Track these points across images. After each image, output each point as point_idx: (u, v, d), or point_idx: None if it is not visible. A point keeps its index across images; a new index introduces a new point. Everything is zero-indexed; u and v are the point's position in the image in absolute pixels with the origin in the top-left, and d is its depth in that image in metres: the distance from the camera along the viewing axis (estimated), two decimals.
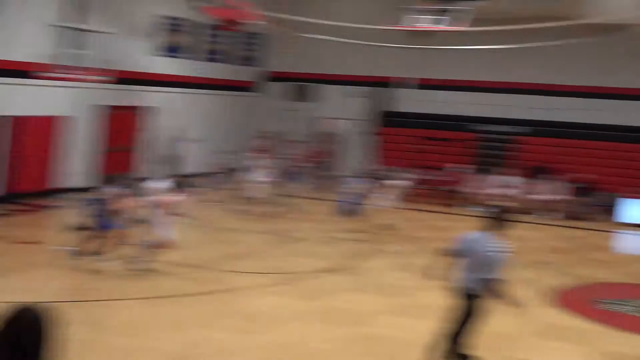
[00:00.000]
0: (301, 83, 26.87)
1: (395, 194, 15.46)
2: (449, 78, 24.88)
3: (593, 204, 20.02)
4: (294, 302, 9.56)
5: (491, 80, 24.40)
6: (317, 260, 12.24)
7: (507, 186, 20.27)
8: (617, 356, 8.24)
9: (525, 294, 8.72)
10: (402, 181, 14.96)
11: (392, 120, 25.41)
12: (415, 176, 18.30)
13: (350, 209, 16.60)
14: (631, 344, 8.71)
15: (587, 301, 10.68)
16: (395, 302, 9.92)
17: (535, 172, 21.42)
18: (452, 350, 7.16)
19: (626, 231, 18.09)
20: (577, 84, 23.58)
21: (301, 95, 26.90)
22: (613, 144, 22.23)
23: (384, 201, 15.26)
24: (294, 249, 13.41)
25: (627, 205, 18.86)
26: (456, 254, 7.16)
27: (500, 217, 7.14)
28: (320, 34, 20.37)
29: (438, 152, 23.67)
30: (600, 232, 17.68)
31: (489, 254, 6.93)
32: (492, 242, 6.97)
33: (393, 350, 7.92)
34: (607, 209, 20.08)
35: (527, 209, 19.26)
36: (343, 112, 26.37)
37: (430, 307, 9.73)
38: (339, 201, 17.20)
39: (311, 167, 21.01)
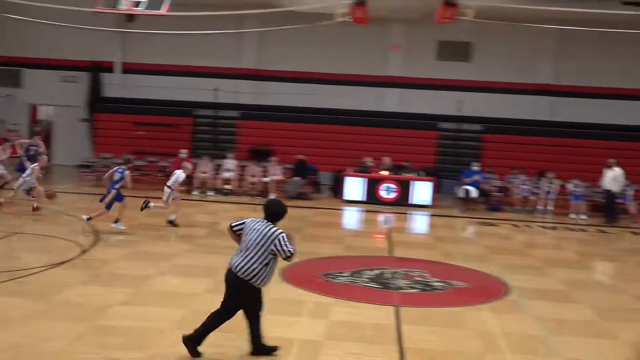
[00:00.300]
0: (10, 67, 25.05)
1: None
2: (165, 63, 24.82)
3: (315, 183, 21.36)
4: (23, 301, 8.95)
5: (207, 65, 24.79)
6: (43, 255, 11.56)
7: (228, 169, 20.81)
8: (344, 323, 8.87)
9: None
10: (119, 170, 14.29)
11: (108, 106, 24.73)
12: (134, 163, 18.05)
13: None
14: (354, 312, 9.42)
15: (313, 275, 11.34)
16: (131, 292, 9.71)
17: (253, 154, 22.25)
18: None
19: (347, 207, 19.47)
20: (288, 69, 24.83)
21: (10, 80, 25.08)
22: (335, 126, 23.80)
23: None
24: (16, 245, 12.57)
25: (347, 184, 20.28)
26: (238, 235, 7.35)
27: (275, 209, 7.39)
28: (27, 16, 19.10)
29: (157, 137, 23.52)
30: (323, 210, 18.86)
31: (261, 239, 7.13)
32: (266, 228, 7.19)
33: (130, 340, 7.77)
34: (329, 188, 21.57)
35: (248, 191, 20.01)
36: (56, 98, 25.12)
37: (170, 294, 9.74)
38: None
39: (25, 156, 19.64)
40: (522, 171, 20.85)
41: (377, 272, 11.67)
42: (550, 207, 19.83)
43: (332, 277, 11.13)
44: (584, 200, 19.89)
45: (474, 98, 24.31)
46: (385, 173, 20.37)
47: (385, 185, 20.10)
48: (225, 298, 7.34)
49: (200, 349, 7.32)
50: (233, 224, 7.47)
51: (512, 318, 9.66)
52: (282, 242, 7.14)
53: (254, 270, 7.14)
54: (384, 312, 9.43)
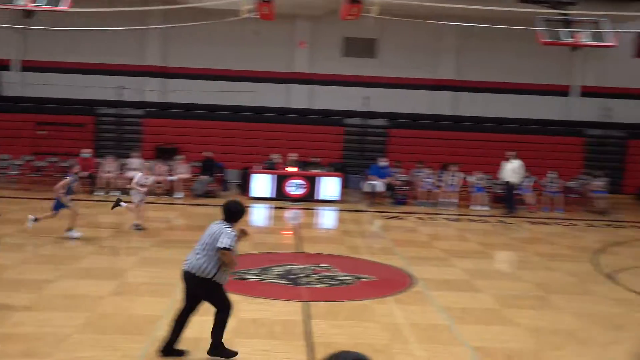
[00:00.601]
0: None
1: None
2: (66, 60, 24.14)
3: (222, 181, 21.23)
4: None
5: (110, 62, 24.26)
6: None
7: (134, 169, 20.40)
8: (253, 321, 8.87)
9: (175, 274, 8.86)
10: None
11: (5, 105, 23.86)
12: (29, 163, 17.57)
13: None
14: (263, 309, 9.44)
15: None
16: (32, 297, 9.41)
17: (159, 153, 21.93)
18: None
19: (255, 205, 19.43)
20: (194, 67, 24.59)
21: None
22: (243, 123, 23.68)
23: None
24: None
25: (255, 181, 20.23)
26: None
27: (232, 208, 7.40)
28: None
29: (58, 137, 22.83)
30: None
31: (210, 237, 7.21)
32: (218, 227, 7.25)
33: (32, 347, 7.55)
34: (237, 185, 21.47)
35: (155, 190, 19.68)
36: None
37: (73, 298, 9.49)
38: None
39: None
40: (426, 165, 21.34)
41: (285, 268, 11.73)
42: (453, 200, 20.38)
43: (240, 275, 11.11)
44: (486, 192, 20.55)
45: (379, 94, 24.69)
46: (292, 169, 20.46)
47: (292, 181, 20.19)
48: (185, 296, 7.38)
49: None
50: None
51: (418, 309, 9.90)
52: (223, 234, 7.17)
53: (204, 266, 7.19)
54: (293, 308, 9.48)
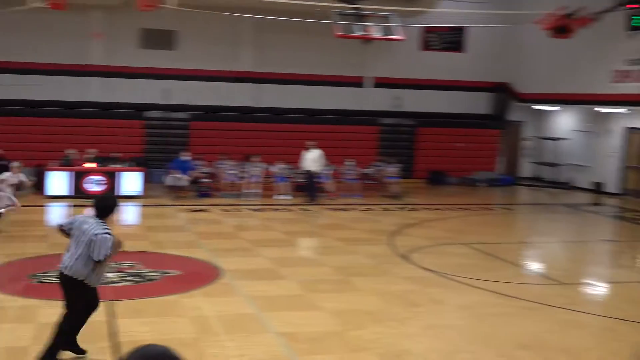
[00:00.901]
0: None
1: None
2: None
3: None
4: None
5: None
6: None
7: None
8: (52, 325, 8.51)
9: None
10: None
11: None
12: None
13: None
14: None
15: (19, 277, 10.69)
16: None
17: None
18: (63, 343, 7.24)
19: (51, 203, 18.48)
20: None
21: None
22: (33, 119, 22.39)
23: None
24: None
25: (50, 178, 19.23)
26: (66, 232, 7.28)
27: (104, 203, 7.39)
28: None
29: None
30: (25, 207, 17.68)
31: (84, 238, 7.04)
32: (91, 228, 7.07)
33: None
34: (35, 184, 20.23)
35: None
36: None
37: None
38: None
39: None
40: (229, 157, 21.43)
41: None
42: (257, 190, 20.66)
43: (38, 278, 10.57)
44: (288, 182, 21.03)
45: (180, 86, 24.38)
46: (91, 165, 19.70)
47: (91, 177, 19.45)
48: (64, 300, 7.27)
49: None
50: (62, 224, 7.41)
51: (225, 300, 9.97)
52: (97, 245, 6.99)
53: (79, 268, 7.06)
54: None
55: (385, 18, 19.02)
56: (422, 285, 11.30)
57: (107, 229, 7.13)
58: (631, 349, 3.62)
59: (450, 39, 26.66)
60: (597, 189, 23.83)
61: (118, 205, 7.55)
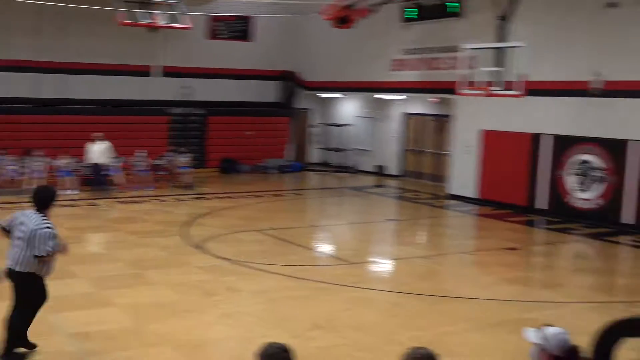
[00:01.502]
0: None
1: None
2: None
3: None
4: None
5: None
6: None
7: None
8: None
9: None
10: None
11: None
12: None
13: None
14: None
15: None
16: None
17: None
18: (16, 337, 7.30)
19: None
20: None
21: None
22: None
23: None
24: None
25: None
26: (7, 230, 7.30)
27: (42, 194, 7.40)
28: None
29: None
30: None
31: (27, 233, 7.05)
32: (33, 222, 7.09)
33: None
34: None
35: None
36: None
37: None
38: None
39: None
40: (9, 152, 20.07)
41: None
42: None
43: None
44: (74, 176, 20.10)
45: None
46: None
47: None
48: (14, 297, 7.29)
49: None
50: (2, 224, 7.39)
51: (5, 305, 9.36)
52: (38, 239, 7.04)
53: (28, 262, 7.10)
54: None
55: (170, 6, 18.73)
56: (217, 274, 11.34)
57: (48, 222, 7.18)
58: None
59: (237, 28, 26.82)
60: (380, 172, 25.22)
61: (56, 196, 7.56)
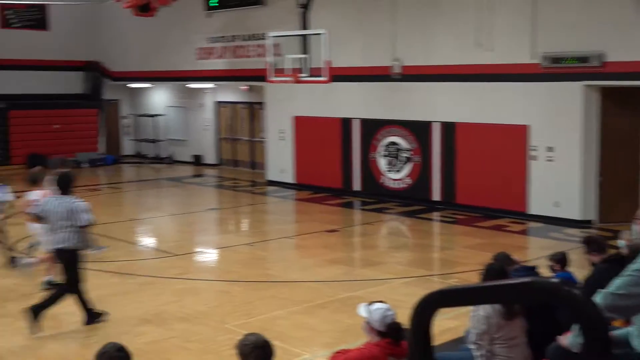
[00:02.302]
0: None
1: None
2: None
3: None
4: None
5: None
6: None
7: None
8: None
9: None
10: None
11: None
12: None
13: None
14: None
15: None
16: None
17: None
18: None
19: None
20: None
21: None
22: None
23: None
24: None
25: None
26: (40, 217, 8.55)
27: (62, 178, 8.56)
28: None
29: None
30: None
31: (66, 212, 8.29)
32: (68, 202, 8.39)
33: None
34: None
35: None
36: None
37: None
38: None
39: None
40: None
41: None
42: None
43: None
44: None
45: None
46: None
47: None
48: (63, 274, 8.54)
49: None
50: (34, 211, 8.69)
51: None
52: (79, 211, 8.35)
53: (69, 238, 8.30)
54: None
55: None
56: (33, 277, 10.77)
57: (78, 199, 8.52)
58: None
59: (31, 17, 25.38)
60: (197, 161, 25.03)
61: (74, 179, 8.70)
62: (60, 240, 8.37)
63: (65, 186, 8.49)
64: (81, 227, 8.38)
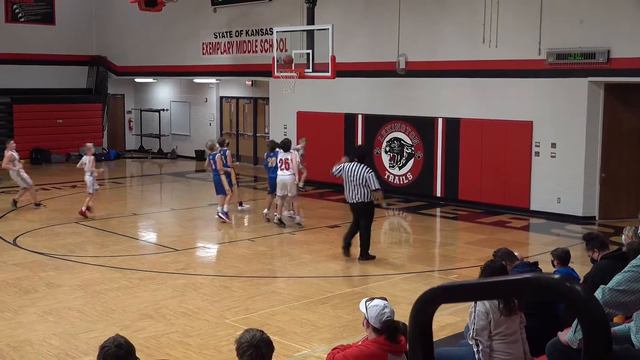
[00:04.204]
0: None
1: None
2: None
3: None
4: None
5: None
6: None
7: None
8: None
9: None
10: None
11: None
12: None
13: None
14: None
15: None
16: None
17: None
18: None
19: None
20: None
21: None
22: None
23: None
24: None
25: None
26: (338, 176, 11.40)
27: (361, 151, 11.64)
28: None
29: None
30: None
31: (357, 178, 10.96)
32: (359, 170, 11.00)
33: None
34: None
35: None
36: None
37: None
38: None
39: None
40: None
41: None
42: None
43: None
44: None
45: None
46: None
47: None
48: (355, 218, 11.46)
49: None
50: (334, 170, 11.51)
51: None
52: (370, 179, 11.05)
53: (361, 195, 11.07)
54: None
55: None
56: (35, 269, 10.77)
57: (369, 169, 11.15)
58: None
59: (37, 11, 25.38)
60: (200, 157, 24.99)
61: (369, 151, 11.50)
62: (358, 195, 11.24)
63: (361, 156, 11.43)
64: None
